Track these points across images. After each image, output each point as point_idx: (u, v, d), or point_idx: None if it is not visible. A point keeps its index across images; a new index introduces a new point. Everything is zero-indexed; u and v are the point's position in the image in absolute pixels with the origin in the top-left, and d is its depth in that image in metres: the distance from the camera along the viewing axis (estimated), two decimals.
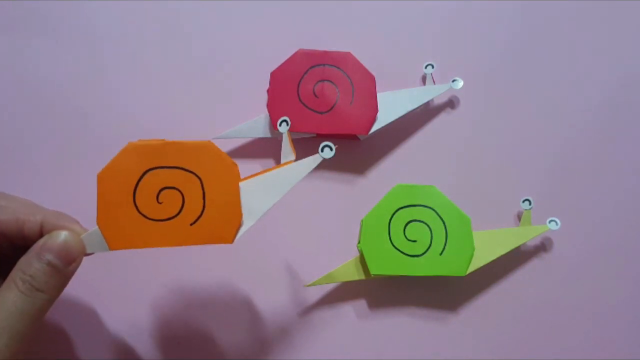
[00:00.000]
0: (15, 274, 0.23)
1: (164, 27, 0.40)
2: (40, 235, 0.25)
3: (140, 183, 0.25)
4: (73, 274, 0.25)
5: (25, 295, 0.23)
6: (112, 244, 0.25)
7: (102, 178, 0.25)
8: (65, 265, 0.24)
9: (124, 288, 0.35)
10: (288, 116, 0.35)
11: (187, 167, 0.25)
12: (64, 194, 0.36)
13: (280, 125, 0.27)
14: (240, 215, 0.26)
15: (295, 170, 0.27)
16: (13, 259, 0.24)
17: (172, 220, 0.25)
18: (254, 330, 0.34)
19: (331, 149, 0.27)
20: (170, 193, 0.25)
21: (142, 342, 0.34)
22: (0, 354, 0.22)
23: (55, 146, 0.37)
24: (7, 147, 0.37)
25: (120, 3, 0.40)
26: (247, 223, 0.26)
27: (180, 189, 0.25)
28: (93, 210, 0.35)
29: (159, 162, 0.25)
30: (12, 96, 0.38)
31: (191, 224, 0.25)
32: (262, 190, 0.26)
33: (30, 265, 0.23)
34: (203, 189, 0.25)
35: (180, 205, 0.25)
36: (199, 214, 0.25)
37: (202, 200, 0.25)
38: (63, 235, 0.24)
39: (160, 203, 0.25)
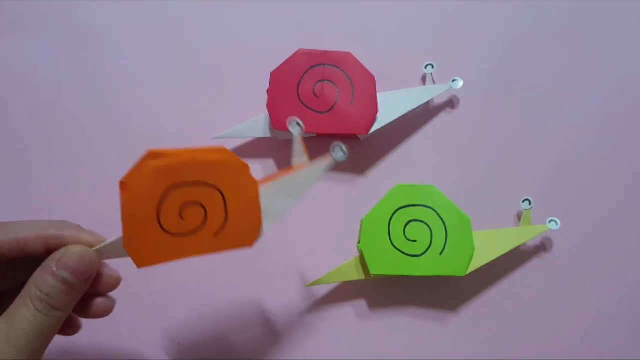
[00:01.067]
0: (31, 291, 0.23)
1: (164, 27, 0.40)
2: (46, 248, 0.24)
3: (163, 202, 0.25)
4: (86, 290, 0.25)
5: (42, 314, 0.23)
6: (140, 263, 0.24)
7: (125, 201, 0.24)
8: (81, 283, 0.24)
9: (124, 288, 0.34)
10: (288, 116, 0.35)
11: (207, 182, 0.25)
12: (62, 194, 0.36)
13: (291, 125, 0.27)
14: (261, 220, 0.26)
15: (309, 173, 0.27)
16: (17, 280, 0.24)
17: (197, 234, 0.25)
18: (254, 330, 0.34)
19: (343, 152, 0.26)
20: (193, 208, 0.25)
21: (142, 342, 0.34)
22: None
23: (55, 146, 0.37)
24: (6, 147, 0.37)
25: (120, 3, 0.40)
26: (266, 226, 0.26)
27: (202, 202, 0.25)
28: (90, 208, 0.36)
29: (179, 179, 0.25)
30: (11, 96, 0.38)
31: (215, 234, 0.25)
32: (279, 194, 0.26)
33: (45, 283, 0.23)
34: (225, 200, 0.25)
35: (203, 218, 0.25)
36: (222, 224, 0.25)
37: (224, 212, 0.25)
38: (78, 251, 0.24)
39: (183, 219, 0.25)
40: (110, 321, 0.33)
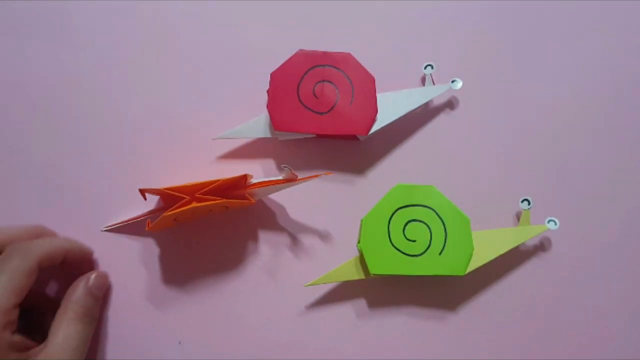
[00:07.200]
0: (77, 309, 0.30)
1: (164, 27, 0.40)
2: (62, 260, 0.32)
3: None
4: None
5: (90, 325, 0.31)
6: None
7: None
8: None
9: (123, 288, 0.35)
10: (288, 116, 0.35)
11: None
12: (62, 195, 0.36)
13: None
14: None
15: None
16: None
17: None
18: (254, 330, 0.34)
19: None
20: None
21: (142, 341, 0.34)
22: None
23: (55, 147, 0.37)
24: (5, 148, 0.37)
25: (120, 4, 0.41)
26: None
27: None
28: (90, 209, 0.36)
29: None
30: (9, 97, 0.38)
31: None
32: None
33: (87, 302, 0.31)
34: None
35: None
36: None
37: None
38: (102, 275, 0.33)
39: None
40: (110, 319, 0.34)
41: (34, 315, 0.32)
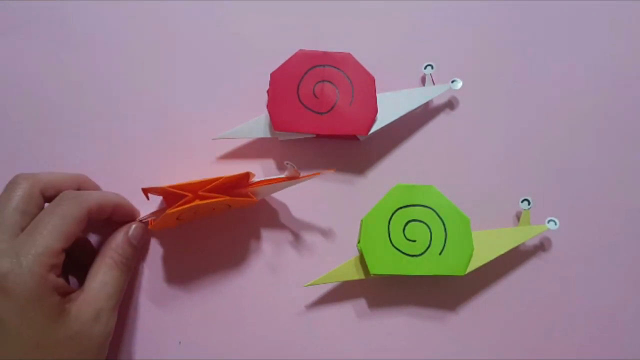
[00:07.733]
0: (115, 256, 0.31)
1: (164, 27, 0.40)
2: (110, 214, 0.32)
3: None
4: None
5: (126, 273, 0.31)
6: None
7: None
8: (140, 246, 0.34)
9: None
10: (288, 116, 0.35)
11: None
12: None
13: None
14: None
15: None
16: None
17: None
18: (253, 329, 0.34)
19: None
20: None
21: (142, 340, 0.34)
22: (110, 324, 0.29)
23: (54, 147, 0.37)
24: (5, 147, 0.37)
25: (120, 4, 0.41)
26: None
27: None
28: None
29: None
30: (10, 97, 0.38)
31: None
32: None
33: (125, 250, 0.31)
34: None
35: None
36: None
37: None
38: (141, 226, 0.33)
39: None
40: None
41: (73, 267, 0.33)
